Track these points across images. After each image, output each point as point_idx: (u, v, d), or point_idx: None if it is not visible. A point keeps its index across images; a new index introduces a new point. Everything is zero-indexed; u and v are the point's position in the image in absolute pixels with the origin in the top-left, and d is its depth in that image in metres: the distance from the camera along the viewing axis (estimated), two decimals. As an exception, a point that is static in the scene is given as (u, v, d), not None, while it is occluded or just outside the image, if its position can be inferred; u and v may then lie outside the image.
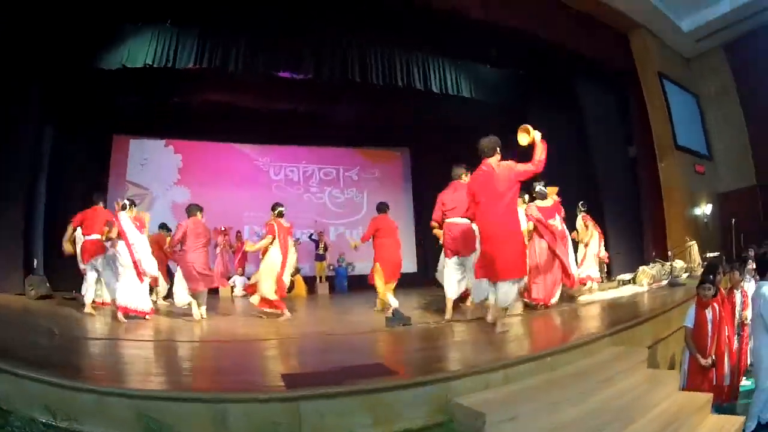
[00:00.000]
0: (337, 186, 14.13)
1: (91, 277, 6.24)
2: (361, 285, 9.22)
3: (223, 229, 10.91)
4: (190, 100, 10.90)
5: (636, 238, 10.13)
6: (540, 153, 4.44)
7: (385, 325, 5.38)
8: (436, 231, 5.89)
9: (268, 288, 6.29)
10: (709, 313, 4.60)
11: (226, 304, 9.09)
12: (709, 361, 4.51)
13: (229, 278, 10.61)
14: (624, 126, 10.69)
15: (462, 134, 13.23)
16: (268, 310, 6.42)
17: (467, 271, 5.56)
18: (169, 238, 7.84)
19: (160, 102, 10.57)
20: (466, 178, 5.59)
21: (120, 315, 5.78)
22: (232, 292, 10.57)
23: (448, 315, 5.55)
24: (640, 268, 8.04)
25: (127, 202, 6.24)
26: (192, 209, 6.46)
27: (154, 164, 11.69)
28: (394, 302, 6.29)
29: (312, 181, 13.87)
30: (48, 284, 7.57)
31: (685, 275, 7.95)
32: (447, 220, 5.63)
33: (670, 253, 8.71)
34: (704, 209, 9.81)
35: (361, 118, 12.45)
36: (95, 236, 6.18)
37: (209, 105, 11.04)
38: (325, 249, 12.98)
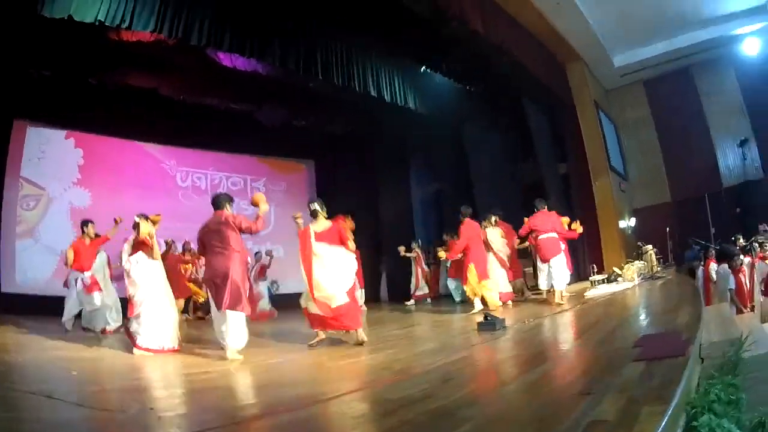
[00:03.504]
0: (244, 197, 12.77)
1: None
2: (290, 304, 7.44)
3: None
4: (108, 82, 8.94)
5: (571, 249, 11.08)
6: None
7: (478, 332, 4.89)
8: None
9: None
10: (742, 277, 6.09)
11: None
12: (749, 310, 5.81)
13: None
14: (555, 145, 11.68)
15: (367, 146, 13.36)
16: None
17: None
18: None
19: (74, 79, 8.44)
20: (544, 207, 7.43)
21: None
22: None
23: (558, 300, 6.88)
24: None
25: None
26: (221, 200, 4.83)
27: (51, 159, 9.24)
28: (478, 305, 6.90)
29: (219, 190, 12.38)
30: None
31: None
32: (540, 237, 7.11)
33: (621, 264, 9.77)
34: (629, 222, 11.23)
35: (274, 126, 11.76)
36: None
37: (126, 91, 9.26)
38: (244, 265, 11.76)
